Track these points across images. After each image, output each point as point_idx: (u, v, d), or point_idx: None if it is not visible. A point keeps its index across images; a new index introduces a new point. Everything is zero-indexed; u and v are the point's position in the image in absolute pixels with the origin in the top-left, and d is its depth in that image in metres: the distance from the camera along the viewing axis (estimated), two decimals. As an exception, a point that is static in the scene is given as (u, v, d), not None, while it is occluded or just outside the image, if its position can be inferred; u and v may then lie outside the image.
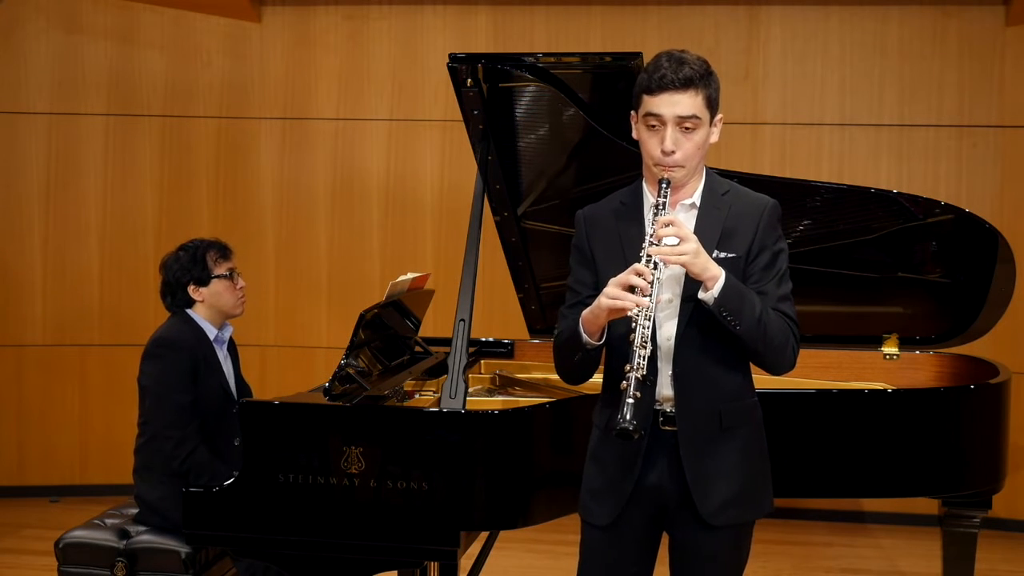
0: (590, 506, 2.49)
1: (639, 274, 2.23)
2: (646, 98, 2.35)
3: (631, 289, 2.24)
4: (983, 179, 5.66)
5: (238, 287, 3.57)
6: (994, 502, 3.49)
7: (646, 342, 2.21)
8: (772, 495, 2.52)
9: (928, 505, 4.08)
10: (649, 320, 2.22)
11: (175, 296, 3.52)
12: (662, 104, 2.32)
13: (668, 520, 2.46)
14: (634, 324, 2.22)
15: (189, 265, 3.50)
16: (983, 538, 3.61)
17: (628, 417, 2.15)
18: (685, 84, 2.31)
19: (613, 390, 2.34)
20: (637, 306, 2.21)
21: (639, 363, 2.19)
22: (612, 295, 2.26)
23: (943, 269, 3.83)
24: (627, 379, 2.19)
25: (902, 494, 3.48)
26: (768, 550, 5.10)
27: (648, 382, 2.33)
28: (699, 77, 2.33)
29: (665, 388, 2.39)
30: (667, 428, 2.39)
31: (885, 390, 3.61)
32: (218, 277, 3.52)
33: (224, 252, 3.58)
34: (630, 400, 2.17)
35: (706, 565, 2.45)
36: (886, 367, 3.94)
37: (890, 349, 3.93)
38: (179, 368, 3.39)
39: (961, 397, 3.45)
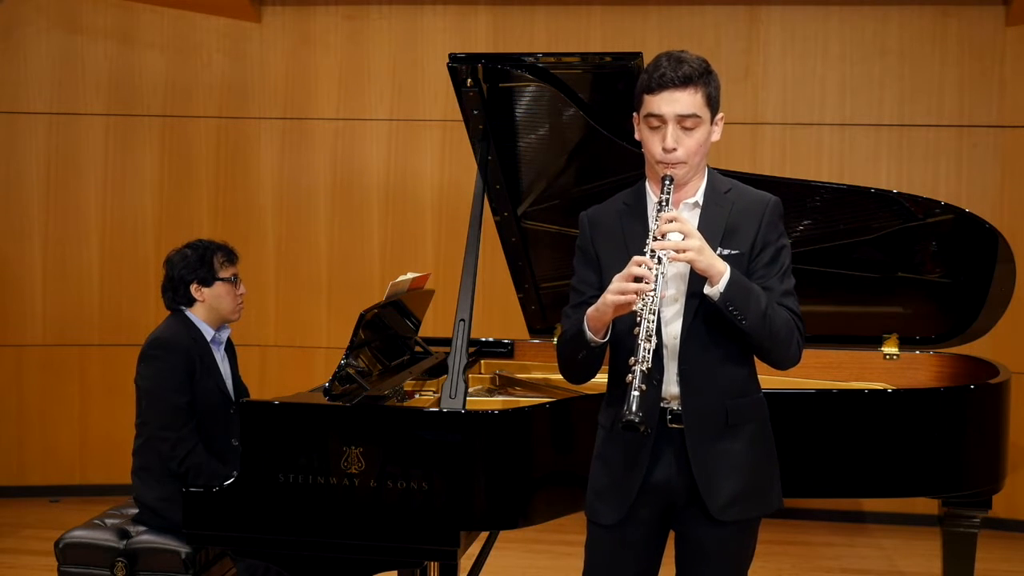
0: (596, 506, 2.49)
1: (641, 264, 2.24)
2: (647, 98, 2.36)
3: (636, 282, 2.24)
4: (983, 179, 5.66)
5: (239, 293, 3.58)
6: (994, 502, 3.48)
7: (651, 335, 2.22)
8: (780, 492, 2.53)
9: (928, 505, 4.08)
10: (654, 314, 2.23)
11: (176, 292, 3.52)
12: (662, 103, 2.33)
13: (675, 517, 2.47)
14: (639, 318, 2.23)
15: (196, 264, 3.50)
16: (983, 538, 3.61)
17: (634, 409, 2.16)
18: (684, 82, 2.32)
19: (618, 389, 2.34)
20: (642, 300, 2.22)
21: (644, 356, 2.20)
22: (617, 289, 2.27)
23: (943, 269, 3.83)
24: (632, 372, 2.19)
25: (902, 494, 3.48)
26: (768, 550, 5.09)
27: (655, 380, 2.33)
28: (698, 75, 2.34)
29: (671, 385, 2.40)
30: (674, 425, 2.40)
31: (885, 390, 3.61)
32: (222, 280, 3.52)
33: (231, 257, 3.58)
34: (635, 393, 2.17)
35: (712, 561, 2.45)
36: (886, 367, 3.94)
37: (890, 349, 3.93)
38: (175, 369, 3.39)
39: (961, 397, 3.45)
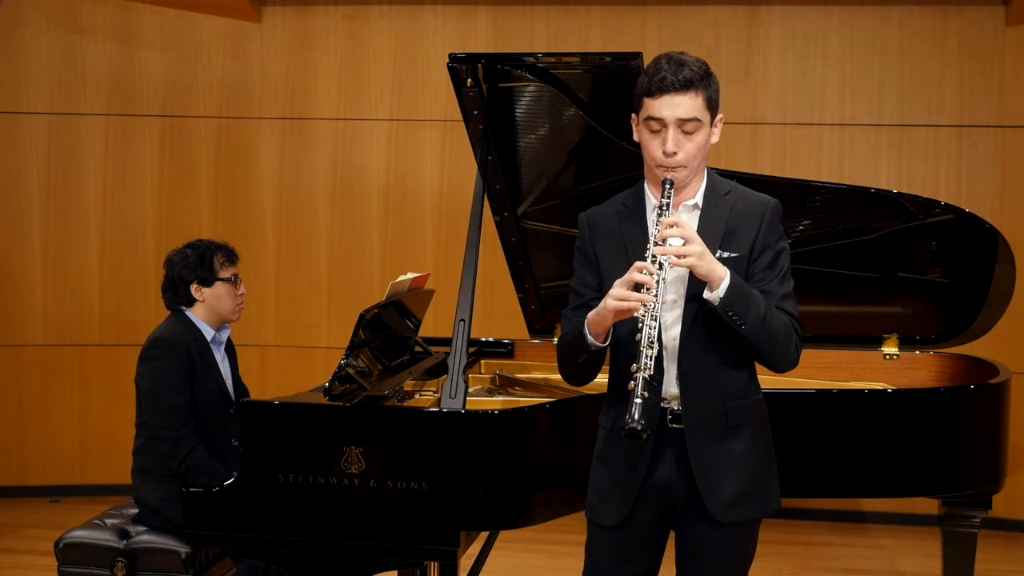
0: (597, 507, 2.49)
1: (643, 270, 2.24)
2: (647, 101, 2.35)
3: (637, 288, 2.24)
4: (983, 179, 5.66)
5: (239, 293, 3.58)
6: (994, 502, 3.49)
7: (653, 342, 2.22)
8: (779, 493, 2.53)
9: (928, 505, 4.08)
10: (655, 320, 2.23)
11: (176, 292, 3.52)
12: (663, 106, 2.32)
13: (676, 518, 2.47)
14: (641, 324, 2.22)
15: (196, 264, 3.51)
16: (983, 538, 3.61)
17: (636, 416, 2.16)
18: (685, 86, 2.32)
19: (619, 391, 2.35)
20: (643, 306, 2.22)
21: (647, 363, 2.20)
22: (618, 295, 2.26)
23: (943, 269, 3.83)
24: (634, 379, 2.19)
25: (902, 494, 3.48)
26: (768, 550, 5.08)
27: (655, 382, 2.33)
28: (699, 79, 2.34)
29: (671, 387, 2.40)
30: (674, 426, 2.40)
31: (885, 390, 3.61)
32: (222, 280, 3.53)
33: (231, 257, 3.59)
34: (638, 400, 2.17)
35: (713, 562, 2.45)
36: (886, 367, 3.94)
37: (890, 349, 3.93)
38: (175, 369, 3.39)
39: (961, 397, 3.45)
